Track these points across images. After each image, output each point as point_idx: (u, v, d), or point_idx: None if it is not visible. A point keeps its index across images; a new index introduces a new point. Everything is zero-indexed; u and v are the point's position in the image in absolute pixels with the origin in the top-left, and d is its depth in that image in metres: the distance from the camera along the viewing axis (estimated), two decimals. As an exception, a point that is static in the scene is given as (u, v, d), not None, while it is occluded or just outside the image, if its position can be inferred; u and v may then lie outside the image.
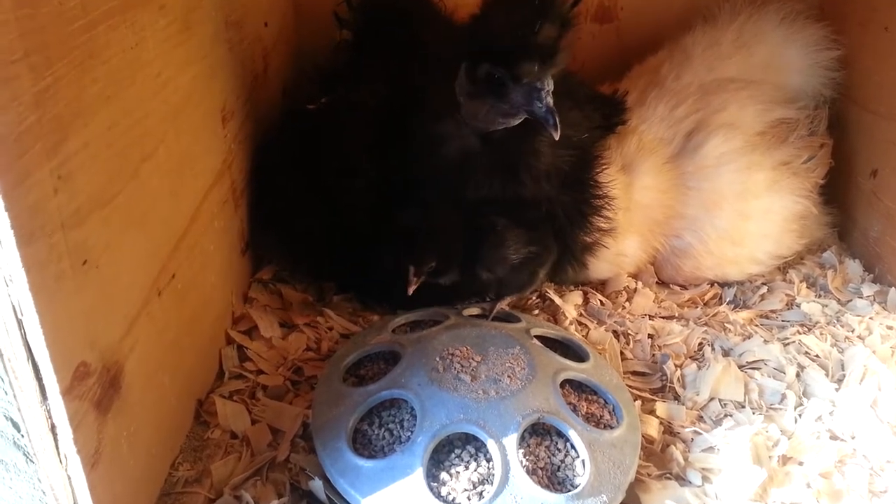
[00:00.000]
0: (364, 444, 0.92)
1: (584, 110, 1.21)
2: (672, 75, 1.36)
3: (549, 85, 0.95)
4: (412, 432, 0.91)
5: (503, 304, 1.16)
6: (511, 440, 0.88)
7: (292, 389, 1.08)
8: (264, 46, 1.34)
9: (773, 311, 1.26)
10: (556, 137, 0.94)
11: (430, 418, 0.90)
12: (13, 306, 0.63)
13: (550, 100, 0.95)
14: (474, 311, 1.17)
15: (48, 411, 0.69)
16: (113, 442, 0.78)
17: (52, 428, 0.70)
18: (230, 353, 1.12)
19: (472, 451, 0.90)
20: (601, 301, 1.27)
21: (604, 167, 1.17)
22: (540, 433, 0.93)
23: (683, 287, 1.32)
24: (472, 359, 0.98)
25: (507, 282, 1.11)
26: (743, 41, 1.38)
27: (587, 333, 1.20)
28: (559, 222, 1.12)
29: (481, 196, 1.04)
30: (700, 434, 1.02)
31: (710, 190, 1.25)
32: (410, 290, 1.06)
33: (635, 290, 1.29)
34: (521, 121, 1.00)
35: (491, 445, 0.88)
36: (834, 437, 1.01)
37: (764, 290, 1.30)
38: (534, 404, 0.92)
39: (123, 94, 0.78)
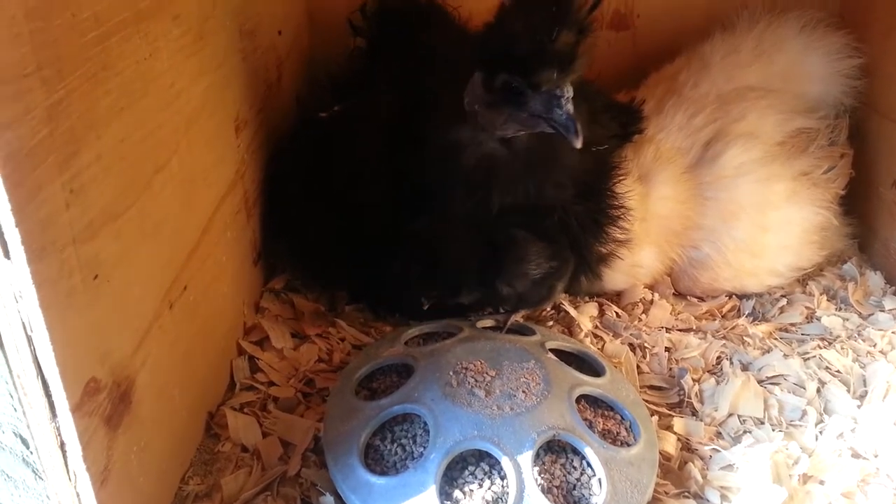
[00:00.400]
0: (376, 460, 0.91)
1: (601, 119, 1.20)
2: (690, 83, 1.34)
3: (569, 92, 0.92)
4: (425, 448, 0.90)
5: (518, 317, 1.15)
6: (526, 458, 0.86)
7: (304, 402, 1.07)
8: (278, 55, 1.34)
9: (792, 325, 1.23)
10: (579, 145, 0.92)
11: (443, 434, 0.89)
12: (23, 323, 0.62)
13: (571, 107, 0.92)
14: (488, 322, 1.15)
15: (57, 428, 0.68)
16: (123, 458, 0.77)
17: (62, 445, 0.69)
18: (241, 365, 1.11)
19: (486, 468, 0.88)
20: (617, 313, 1.25)
21: (621, 177, 1.15)
22: (555, 450, 0.91)
23: (701, 299, 1.30)
24: (487, 373, 0.96)
25: (526, 296, 1.09)
26: (762, 49, 1.36)
27: (603, 346, 1.18)
28: (573, 232, 1.10)
29: (506, 202, 1.02)
30: (719, 451, 1.00)
31: (728, 200, 1.23)
32: (426, 307, 1.04)
33: (652, 301, 1.27)
34: (539, 130, 0.98)
35: (505, 463, 0.86)
36: (856, 456, 0.98)
37: (783, 302, 1.28)
38: (549, 421, 0.90)
39: (136, 105, 0.78)
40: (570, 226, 1.09)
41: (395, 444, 0.92)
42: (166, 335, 0.86)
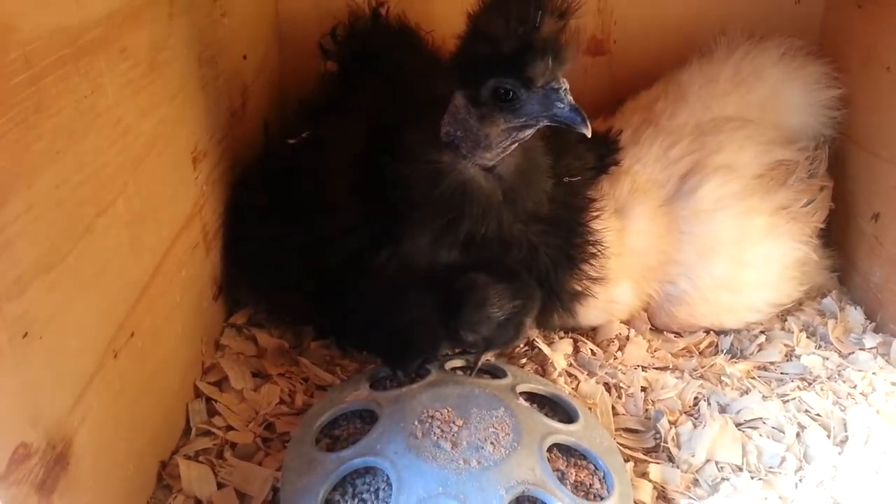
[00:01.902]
0: (336, 517, 0.86)
1: (577, 150, 1.16)
2: (667, 113, 1.31)
3: (565, 83, 0.87)
4: (387, 504, 0.85)
5: (489, 356, 1.11)
6: (493, 516, 0.82)
7: (263, 447, 1.02)
8: (243, 81, 1.29)
9: (771, 363, 1.20)
10: (589, 134, 0.87)
11: (406, 491, 0.84)
12: (-64, 393, 0.57)
13: (570, 97, 0.87)
14: (458, 362, 1.11)
15: (-19, 500, 0.63)
16: (59, 524, 0.71)
17: (-14, 517, 0.63)
18: (198, 408, 1.06)
19: (452, 526, 0.84)
20: (592, 350, 1.21)
21: (597, 212, 1.12)
22: (525, 505, 0.87)
23: (678, 334, 1.27)
24: (454, 423, 0.91)
25: (494, 339, 1.05)
26: (741, 78, 1.33)
27: (577, 386, 1.14)
28: (543, 266, 1.06)
29: (475, 231, 0.97)
30: (694, 501, 0.96)
31: (705, 235, 1.20)
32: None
33: (628, 337, 1.24)
34: (533, 132, 0.92)
35: (471, 522, 0.82)
36: (837, 507, 0.95)
37: (762, 339, 1.25)
38: (518, 475, 0.86)
39: (76, 147, 0.73)
40: (539, 261, 1.05)
41: (356, 500, 0.87)
42: (110, 387, 0.81)
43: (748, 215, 1.21)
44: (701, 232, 1.20)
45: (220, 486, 0.95)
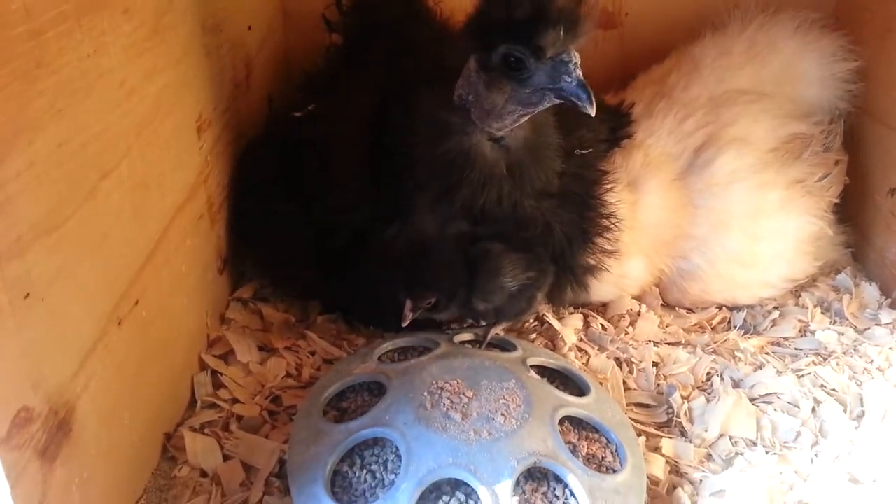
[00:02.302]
0: (343, 488, 0.85)
1: (590, 122, 1.13)
2: (680, 86, 1.28)
3: (577, 57, 0.84)
4: (396, 475, 0.84)
5: (498, 330, 1.09)
6: (504, 487, 0.80)
7: (269, 420, 1.01)
8: (247, 52, 1.27)
9: (785, 339, 1.18)
10: (593, 113, 0.84)
11: (416, 462, 0.82)
12: (-65, 350, 0.55)
13: (580, 72, 0.84)
14: (467, 336, 1.09)
15: (-18, 464, 0.61)
16: (62, 492, 0.70)
17: (-13, 482, 0.62)
18: (203, 380, 1.04)
19: (462, 497, 0.82)
20: (603, 325, 1.19)
21: (611, 185, 1.09)
22: (536, 478, 0.85)
23: (690, 310, 1.25)
24: (464, 394, 0.90)
25: (505, 310, 1.04)
26: (755, 51, 1.30)
27: (587, 361, 1.12)
28: (559, 242, 1.04)
29: (471, 204, 0.95)
30: (709, 476, 0.94)
31: (719, 209, 1.17)
32: (405, 323, 0.98)
33: (639, 313, 1.22)
34: (544, 107, 0.90)
35: (482, 493, 0.80)
36: (854, 481, 0.93)
37: (776, 315, 1.23)
38: (530, 446, 0.84)
39: (78, 106, 0.71)
40: (554, 236, 1.03)
41: (365, 471, 0.86)
42: (113, 355, 0.80)
43: (763, 189, 1.18)
44: (715, 206, 1.17)
45: (225, 458, 0.94)
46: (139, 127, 0.83)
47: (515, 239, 1.01)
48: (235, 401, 1.02)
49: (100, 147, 0.75)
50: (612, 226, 1.09)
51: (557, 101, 0.87)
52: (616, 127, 1.22)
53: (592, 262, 1.11)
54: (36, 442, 0.66)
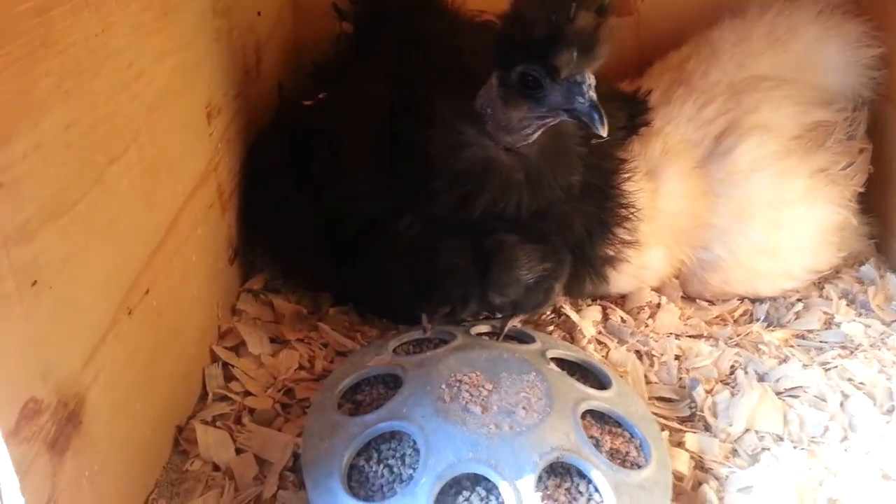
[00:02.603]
0: (360, 483, 0.82)
1: (608, 109, 1.10)
2: (699, 72, 1.25)
3: (591, 79, 0.84)
4: (414, 470, 0.81)
5: (515, 322, 1.06)
6: (527, 483, 0.78)
7: (282, 413, 0.98)
8: (257, 38, 1.24)
9: (809, 331, 1.15)
10: (605, 135, 0.84)
11: (435, 456, 0.80)
12: (-61, 338, 0.53)
13: (594, 94, 0.84)
14: (483, 328, 1.06)
15: (-11, 457, 0.59)
16: (72, 486, 0.68)
17: (-5, 476, 0.60)
18: (214, 372, 1.02)
19: (483, 493, 0.79)
20: (622, 317, 1.17)
21: (629, 174, 1.07)
22: (559, 473, 0.82)
23: (711, 302, 1.22)
24: (483, 387, 0.87)
25: (522, 303, 1.01)
26: (776, 36, 1.27)
27: (607, 354, 1.09)
28: (578, 235, 1.02)
29: (492, 210, 0.94)
30: (735, 471, 0.91)
31: (741, 198, 1.14)
32: (427, 335, 0.98)
33: (659, 305, 1.19)
34: (555, 123, 0.90)
35: (504, 488, 0.78)
36: (886, 477, 0.90)
37: (799, 307, 1.20)
38: (552, 441, 0.82)
39: (86, 87, 0.68)
40: (573, 231, 1.01)
41: (382, 465, 0.83)
42: (124, 345, 0.77)
43: (786, 177, 1.16)
44: (736, 194, 1.15)
45: (238, 451, 0.91)
46: (148, 110, 0.81)
47: (530, 229, 0.99)
48: (247, 393, 1.00)
49: (108, 130, 0.73)
50: (631, 215, 1.07)
51: (570, 119, 0.87)
52: (633, 114, 1.20)
53: (612, 253, 1.08)
54: (45, 434, 0.63)
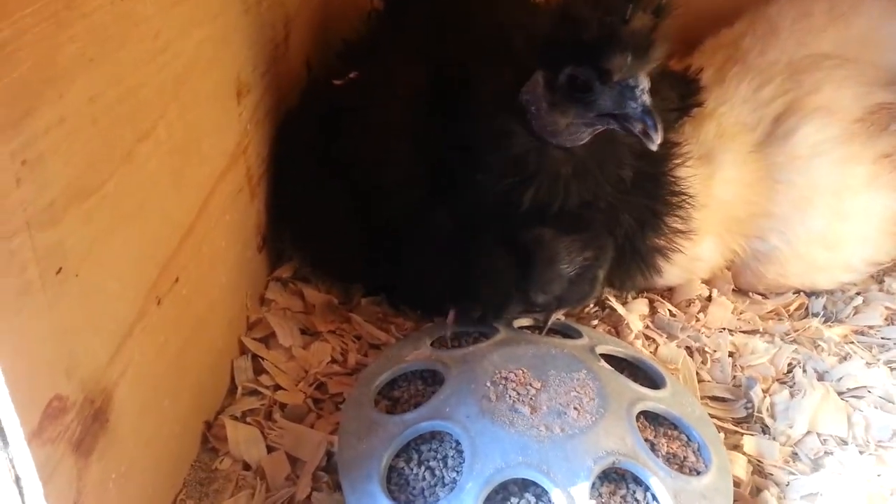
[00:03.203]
0: (400, 486, 0.77)
1: (660, 89, 1.04)
2: (756, 50, 1.18)
3: (645, 83, 0.79)
4: (458, 473, 0.76)
5: (559, 314, 1.00)
6: (581, 490, 0.72)
7: (314, 409, 0.93)
8: (286, 12, 1.18)
9: (870, 327, 1.08)
10: (657, 143, 0.78)
11: (481, 459, 0.75)
12: (-44, 332, 0.48)
13: (647, 99, 0.78)
14: (525, 321, 1.01)
15: (10, 460, 0.54)
16: (98, 488, 0.64)
17: (17, 480, 0.55)
18: (244, 365, 0.97)
19: (532, 500, 0.75)
20: (671, 311, 1.10)
21: (683, 159, 1.00)
22: (613, 479, 0.77)
23: (763, 296, 1.15)
24: (531, 385, 0.82)
25: (566, 297, 0.95)
26: (839, 12, 1.20)
27: (655, 350, 1.03)
28: (626, 226, 0.95)
29: (541, 201, 0.88)
30: (797, 477, 0.85)
31: (802, 185, 1.07)
32: (448, 332, 0.92)
33: (710, 298, 1.12)
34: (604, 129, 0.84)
35: (556, 496, 0.72)
36: (963, 486, 0.84)
37: (858, 301, 1.13)
38: (607, 445, 0.76)
39: (111, 56, 0.63)
40: (618, 220, 0.95)
41: (423, 468, 0.78)
42: (153, 336, 0.72)
43: (849, 163, 1.08)
44: (797, 181, 1.08)
45: (269, 449, 0.87)
46: (176, 84, 0.75)
47: (566, 217, 0.92)
48: (278, 387, 0.95)
49: (135, 104, 0.67)
50: (685, 203, 1.00)
51: (620, 129, 0.81)
52: (685, 94, 1.12)
53: (664, 244, 1.01)
54: (70, 434, 0.59)
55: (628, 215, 0.94)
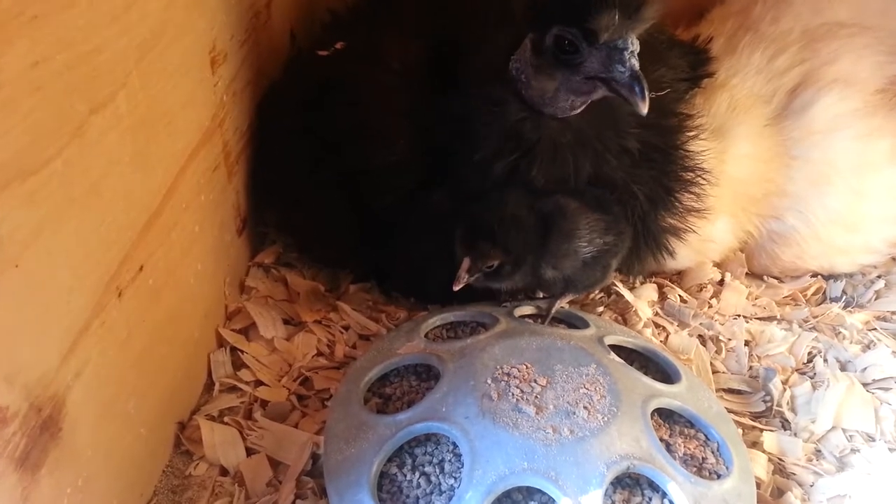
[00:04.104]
0: (392, 494, 0.70)
1: (668, 58, 0.97)
2: (768, 18, 1.10)
3: (634, 45, 0.74)
4: (456, 480, 0.69)
5: (563, 302, 0.93)
6: (593, 499, 0.65)
7: (299, 406, 0.86)
8: (267, -24, 1.09)
9: (893, 313, 1.02)
10: (644, 111, 0.73)
11: (482, 465, 0.68)
12: None
13: (636, 62, 0.74)
14: (527, 309, 0.93)
15: (-61, 482, 0.47)
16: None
17: (-52, 503, 0.48)
18: (221, 359, 0.90)
19: (538, 509, 0.67)
20: (681, 297, 1.03)
21: (695, 132, 0.93)
22: (627, 485, 0.70)
23: (778, 279, 1.08)
24: (535, 381, 0.74)
25: (576, 280, 0.88)
26: (856, -23, 1.12)
27: (666, 338, 0.96)
28: (639, 204, 0.88)
29: (555, 179, 0.81)
30: (822, 477, 0.79)
31: (820, 161, 1.00)
32: (457, 287, 0.82)
33: (722, 282, 1.05)
34: (598, 97, 0.79)
35: (566, 505, 0.65)
36: None
37: (880, 284, 1.06)
38: (621, 448, 0.69)
39: (60, 15, 0.55)
40: (634, 201, 0.88)
41: (417, 474, 0.71)
42: (114, 332, 0.65)
43: (870, 138, 1.01)
44: (814, 157, 1.00)
45: (249, 451, 0.80)
46: (140, 51, 0.67)
47: (589, 195, 0.86)
48: (259, 383, 0.88)
49: (90, 71, 0.59)
50: (698, 180, 0.93)
51: (609, 94, 0.76)
52: (694, 65, 1.05)
53: (676, 223, 0.94)
54: (12, 449, 0.52)
55: (641, 194, 0.87)
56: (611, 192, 0.87)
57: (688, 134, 0.94)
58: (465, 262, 0.82)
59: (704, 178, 0.93)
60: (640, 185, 0.88)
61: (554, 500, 0.66)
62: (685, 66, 1.00)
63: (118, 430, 0.67)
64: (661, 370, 0.85)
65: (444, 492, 0.69)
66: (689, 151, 0.93)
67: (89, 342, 0.61)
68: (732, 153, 0.99)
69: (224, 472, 0.78)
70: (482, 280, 0.85)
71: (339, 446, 0.73)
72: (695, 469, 0.73)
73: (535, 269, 0.85)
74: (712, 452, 0.75)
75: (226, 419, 0.83)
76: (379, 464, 0.71)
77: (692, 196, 0.93)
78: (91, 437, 0.62)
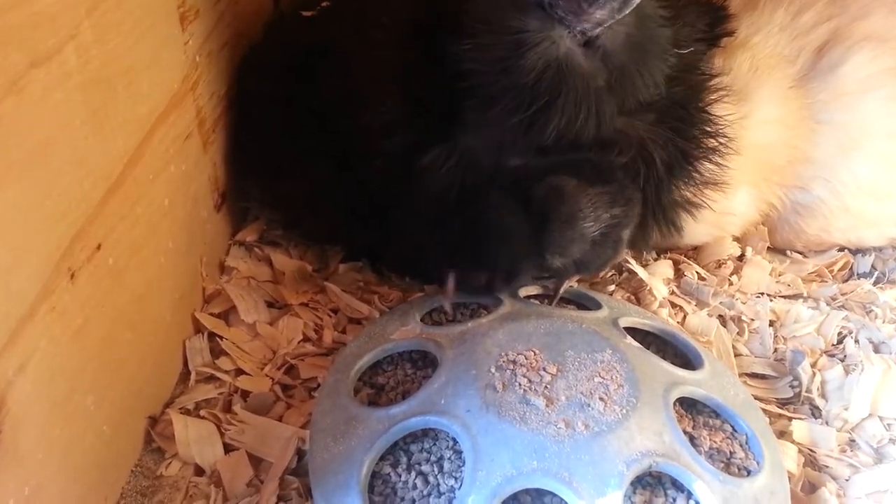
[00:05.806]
0: (385, 496, 0.63)
1: (685, 14, 0.88)
2: (792, -31, 1.01)
3: None
4: (456, 481, 0.62)
5: (572, 281, 0.85)
6: (611, 502, 0.58)
7: (283, 397, 0.79)
8: (246, -77, 1.00)
9: (928, 290, 0.94)
10: None
11: (486, 465, 0.60)
12: None
13: None
14: (533, 289, 0.86)
15: None
16: (-11, 519, 0.48)
17: None
18: (198, 346, 0.82)
19: (550, 513, 0.60)
20: (699, 274, 0.96)
21: (719, 94, 0.84)
22: (648, 484, 0.63)
23: (802, 254, 1.01)
24: (544, 370, 0.67)
25: (587, 261, 0.80)
26: (891, -77, 1.03)
27: (683, 319, 0.89)
28: (655, 171, 0.80)
29: (567, 131, 0.72)
30: (860, 470, 0.72)
31: (850, 125, 0.92)
32: (446, 302, 0.76)
33: (742, 258, 0.98)
34: None
35: (581, 509, 0.58)
36: None
37: (911, 259, 0.99)
38: (641, 444, 0.62)
39: (-18, -55, 0.46)
40: (651, 164, 0.79)
41: (413, 474, 0.64)
42: (66, 319, 0.57)
43: (904, 100, 0.93)
44: (844, 121, 0.92)
45: (227, 448, 0.72)
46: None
47: (587, 164, 0.77)
48: (240, 372, 0.81)
49: (27, 19, 0.50)
50: (720, 147, 0.85)
51: None
52: (713, 23, 0.96)
53: (691, 196, 0.86)
54: (-64, 459, 0.44)
55: (657, 157, 0.79)
56: (619, 154, 0.78)
57: (712, 95, 0.86)
58: (451, 279, 0.74)
59: (728, 145, 0.84)
60: (659, 149, 0.79)
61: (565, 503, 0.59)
62: (702, 25, 0.92)
63: (75, 429, 0.59)
64: (680, 354, 0.78)
65: (444, 493, 0.62)
66: (712, 115, 0.85)
67: (35, 331, 0.53)
68: (756, 117, 0.91)
69: (199, 471, 0.71)
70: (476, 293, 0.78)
71: (325, 443, 0.66)
72: (722, 465, 0.65)
73: (541, 261, 0.77)
74: (740, 445, 0.68)
75: (202, 412, 0.75)
76: (370, 462, 0.64)
77: (713, 166, 0.84)
78: (40, 440, 0.54)
